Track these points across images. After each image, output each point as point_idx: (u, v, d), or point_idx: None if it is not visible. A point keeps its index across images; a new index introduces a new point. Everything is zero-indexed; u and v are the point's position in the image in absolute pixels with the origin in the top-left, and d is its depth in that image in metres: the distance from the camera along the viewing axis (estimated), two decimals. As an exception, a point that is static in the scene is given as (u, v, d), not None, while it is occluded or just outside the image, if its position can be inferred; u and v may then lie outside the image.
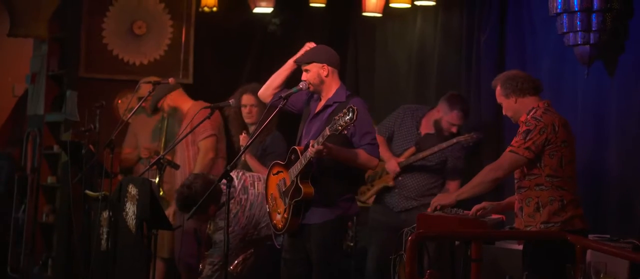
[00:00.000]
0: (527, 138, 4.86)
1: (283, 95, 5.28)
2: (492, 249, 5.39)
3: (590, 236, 4.99)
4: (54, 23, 8.23)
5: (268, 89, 5.50)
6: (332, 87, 5.32)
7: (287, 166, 5.24)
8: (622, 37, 5.67)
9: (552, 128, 4.86)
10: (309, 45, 5.42)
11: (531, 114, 4.94)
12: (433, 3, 7.03)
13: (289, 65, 5.46)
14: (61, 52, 8.40)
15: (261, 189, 5.91)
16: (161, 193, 6.73)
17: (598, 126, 5.82)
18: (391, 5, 7.10)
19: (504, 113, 5.11)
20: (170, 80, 6.75)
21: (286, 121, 6.08)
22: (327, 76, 5.29)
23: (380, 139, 5.94)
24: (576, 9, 5.59)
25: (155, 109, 6.89)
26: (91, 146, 6.71)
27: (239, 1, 7.93)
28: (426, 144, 6.42)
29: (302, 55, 5.39)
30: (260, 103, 6.16)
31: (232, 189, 5.59)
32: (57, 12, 8.13)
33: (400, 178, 6.49)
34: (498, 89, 5.06)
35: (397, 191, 6.51)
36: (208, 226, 6.56)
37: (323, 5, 7.38)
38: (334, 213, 5.21)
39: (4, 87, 9.70)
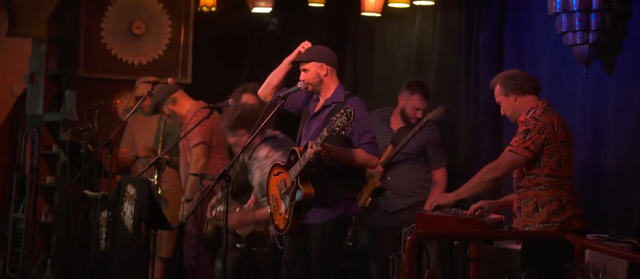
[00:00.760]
0: (527, 138, 4.86)
1: (281, 94, 5.28)
2: (491, 249, 5.39)
3: (589, 236, 4.99)
4: (52, 23, 8.23)
5: (267, 88, 5.50)
6: (330, 87, 5.32)
7: (287, 167, 5.24)
8: (620, 36, 5.67)
9: (551, 128, 4.86)
10: (305, 44, 5.42)
11: (530, 113, 4.94)
12: (432, 3, 7.02)
13: (284, 65, 5.45)
14: (60, 52, 8.39)
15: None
16: (159, 192, 6.74)
17: (596, 126, 5.82)
18: (390, 5, 7.09)
19: (502, 112, 5.11)
20: (169, 80, 6.74)
21: (286, 121, 6.08)
22: (325, 75, 5.29)
23: None
24: (575, 9, 5.59)
25: (155, 111, 6.88)
26: (90, 146, 6.71)
27: (237, 1, 7.93)
28: (401, 137, 6.52)
29: (301, 54, 5.38)
30: (261, 102, 6.17)
31: None
32: (55, 12, 8.13)
33: (389, 178, 6.54)
34: (497, 88, 5.06)
35: (389, 192, 6.55)
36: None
37: (322, 5, 7.38)
38: (334, 212, 5.21)
39: (2, 87, 9.69)
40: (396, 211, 6.54)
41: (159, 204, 6.04)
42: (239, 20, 8.10)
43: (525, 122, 4.92)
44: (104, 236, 6.18)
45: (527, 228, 4.90)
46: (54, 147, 8.30)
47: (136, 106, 6.54)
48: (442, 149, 6.61)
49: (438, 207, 5.04)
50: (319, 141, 4.96)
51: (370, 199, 6.60)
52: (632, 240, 5.04)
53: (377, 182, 6.56)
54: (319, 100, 5.36)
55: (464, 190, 5.02)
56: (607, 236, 5.19)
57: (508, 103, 5.03)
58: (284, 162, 5.30)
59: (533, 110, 4.95)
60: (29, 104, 8.78)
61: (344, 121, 4.79)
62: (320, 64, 5.28)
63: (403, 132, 6.57)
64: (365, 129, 5.21)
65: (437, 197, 5.25)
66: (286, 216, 5.23)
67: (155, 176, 6.70)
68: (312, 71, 5.29)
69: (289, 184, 5.21)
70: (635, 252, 4.86)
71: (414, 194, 6.55)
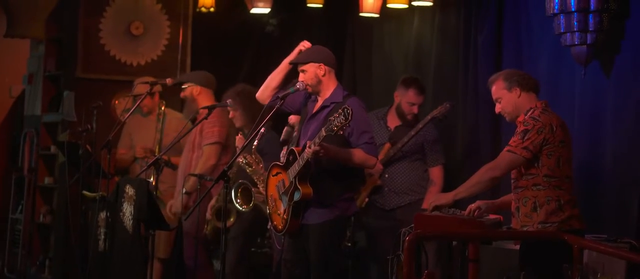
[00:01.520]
0: (525, 138, 4.86)
1: (280, 95, 5.28)
2: (490, 249, 5.40)
3: (587, 236, 5.00)
4: (51, 23, 8.23)
5: (266, 91, 5.50)
6: (329, 87, 5.32)
7: (286, 167, 5.24)
8: (618, 37, 5.67)
9: (550, 128, 4.86)
10: (304, 44, 5.42)
11: (529, 114, 4.94)
12: (430, 3, 7.03)
13: (283, 66, 5.45)
14: (58, 52, 8.39)
15: None
16: (157, 193, 6.73)
17: (595, 126, 5.82)
18: (388, 5, 7.10)
19: (499, 110, 5.05)
20: (168, 80, 6.75)
21: (285, 121, 6.09)
22: (324, 76, 5.29)
23: None
24: (573, 10, 5.59)
25: (181, 82, 6.85)
26: (88, 147, 6.72)
27: (236, 1, 7.93)
28: (399, 135, 6.52)
29: (299, 55, 5.39)
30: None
31: None
32: (54, 12, 8.13)
33: (386, 176, 6.54)
34: (498, 83, 5.01)
35: (386, 189, 6.56)
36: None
37: (320, 5, 7.38)
38: (332, 212, 5.21)
39: (1, 87, 9.69)
40: (393, 209, 6.54)
41: (158, 205, 6.05)
42: (238, 20, 8.11)
43: (523, 123, 4.92)
44: (103, 236, 6.19)
45: (525, 228, 4.90)
46: (53, 148, 8.30)
47: (134, 106, 6.54)
48: (439, 147, 6.61)
49: (436, 208, 5.04)
50: (317, 141, 4.96)
51: (367, 199, 6.60)
52: (630, 240, 5.04)
53: (377, 181, 6.54)
54: (317, 100, 5.36)
55: (463, 190, 5.02)
56: (605, 236, 5.19)
57: (510, 98, 4.98)
58: (282, 162, 5.30)
59: (532, 110, 4.95)
60: (28, 104, 8.78)
61: (342, 121, 4.79)
62: (318, 64, 5.28)
63: (400, 129, 6.56)
64: (364, 129, 5.21)
65: (436, 197, 5.25)
66: (285, 217, 5.23)
67: (153, 177, 6.70)
68: (310, 72, 5.29)
69: (287, 184, 5.21)
70: (633, 252, 4.87)
71: (411, 192, 6.55)
